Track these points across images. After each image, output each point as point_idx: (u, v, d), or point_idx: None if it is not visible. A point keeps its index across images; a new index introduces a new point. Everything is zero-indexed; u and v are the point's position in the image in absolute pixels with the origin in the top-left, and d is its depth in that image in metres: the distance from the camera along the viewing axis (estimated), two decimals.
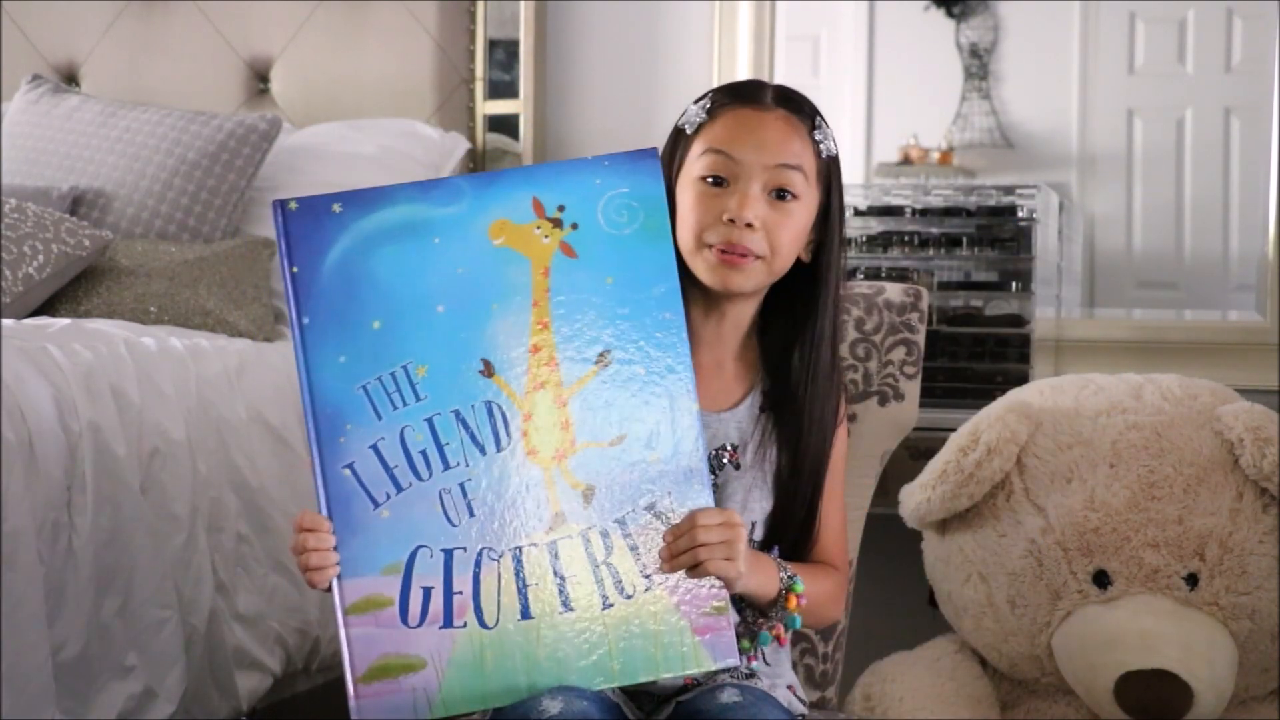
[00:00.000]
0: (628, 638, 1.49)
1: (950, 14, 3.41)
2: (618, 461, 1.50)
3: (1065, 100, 3.37)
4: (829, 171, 1.71)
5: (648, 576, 1.49)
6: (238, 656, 2.26)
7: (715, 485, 1.66)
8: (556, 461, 1.50)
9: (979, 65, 3.40)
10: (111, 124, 2.90)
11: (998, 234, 2.73)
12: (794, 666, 1.92)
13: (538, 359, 1.50)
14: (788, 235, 1.66)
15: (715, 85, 1.87)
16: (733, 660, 1.52)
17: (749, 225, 1.64)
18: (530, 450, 1.49)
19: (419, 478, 1.48)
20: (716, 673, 1.63)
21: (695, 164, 1.67)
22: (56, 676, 1.91)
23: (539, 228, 1.51)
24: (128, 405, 2.10)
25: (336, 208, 1.49)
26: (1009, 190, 2.77)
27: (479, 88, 3.08)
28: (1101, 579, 2.06)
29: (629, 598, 1.49)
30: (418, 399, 1.48)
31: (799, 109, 1.70)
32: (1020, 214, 2.72)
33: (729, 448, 1.70)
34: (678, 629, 1.50)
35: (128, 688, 2.04)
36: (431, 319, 1.49)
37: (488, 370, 1.49)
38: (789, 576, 1.64)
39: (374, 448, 1.47)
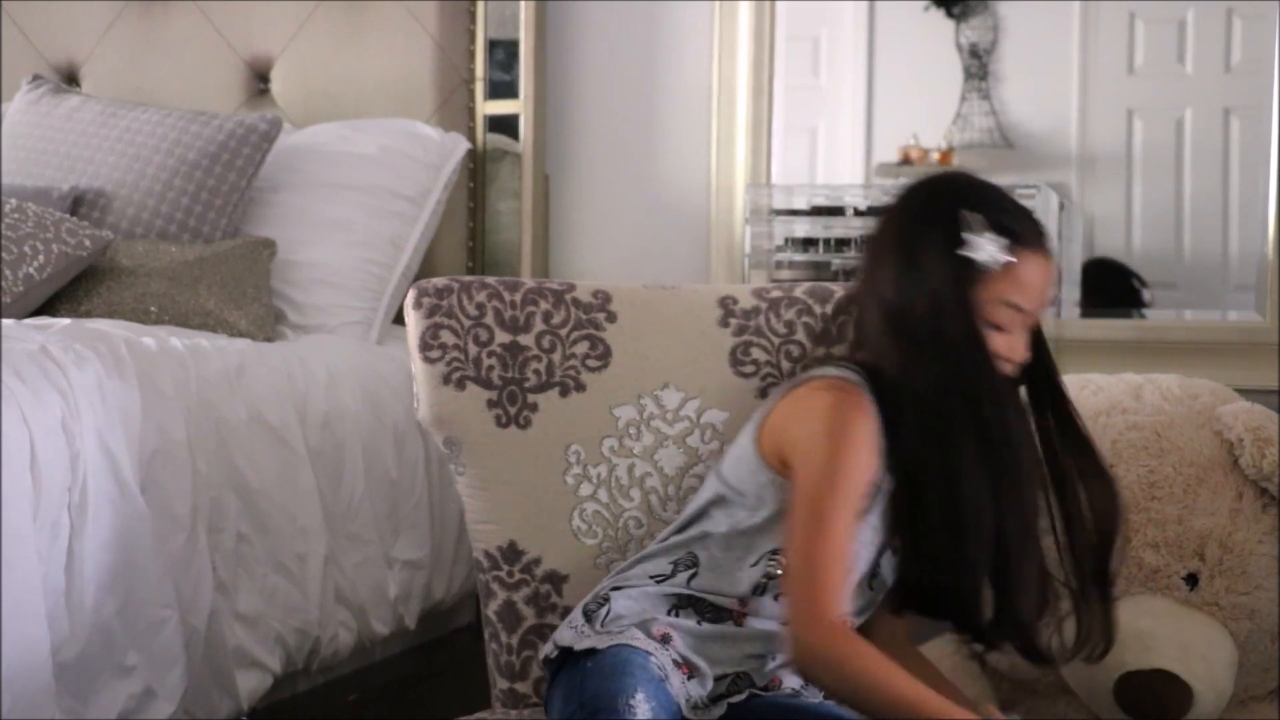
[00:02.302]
0: None
1: (950, 14, 3.41)
2: None
3: (1065, 100, 3.36)
4: None
5: None
6: (238, 656, 2.26)
7: None
8: None
9: (979, 65, 3.40)
10: (111, 124, 2.90)
11: None
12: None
13: None
14: None
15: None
16: None
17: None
18: None
19: None
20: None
21: (989, 307, 1.75)
22: (56, 676, 1.91)
23: None
24: (128, 405, 2.10)
25: None
26: (1009, 190, 2.76)
27: (479, 88, 3.08)
28: None
29: None
30: None
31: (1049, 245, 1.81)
32: None
33: None
34: None
35: (128, 687, 2.04)
36: None
37: None
38: None
39: None
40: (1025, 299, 1.76)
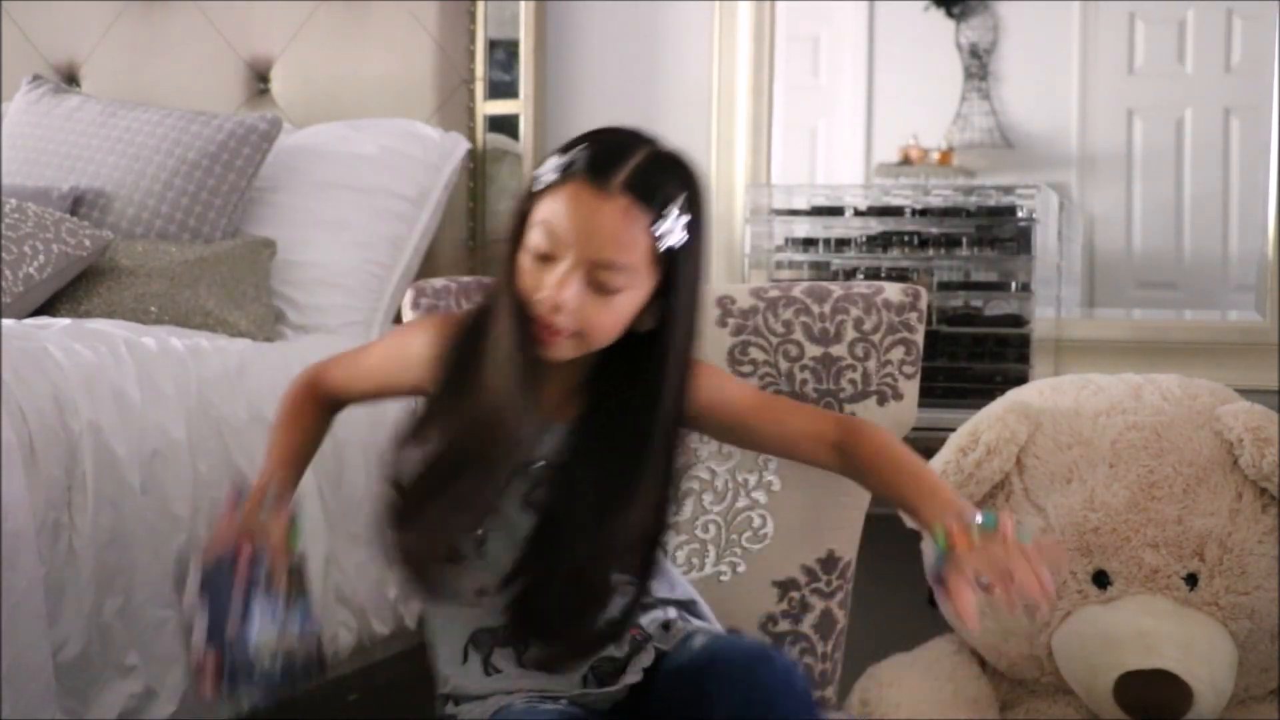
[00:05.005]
0: None
1: (950, 14, 3.41)
2: None
3: (1065, 100, 3.36)
4: (672, 260, 1.60)
5: None
6: None
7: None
8: None
9: (979, 65, 3.39)
10: (111, 124, 2.90)
11: (997, 234, 2.73)
12: None
13: None
14: (605, 320, 1.59)
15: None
16: None
17: (559, 307, 1.58)
18: None
19: None
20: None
21: (532, 232, 1.60)
22: (57, 676, 1.91)
23: None
24: (128, 405, 2.10)
25: None
26: (1009, 190, 2.77)
27: (479, 88, 3.08)
28: (1101, 579, 2.06)
29: None
30: None
31: (647, 198, 1.58)
32: (1020, 214, 2.72)
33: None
34: None
35: (128, 687, 2.04)
36: None
37: None
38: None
39: None
40: (563, 226, 1.57)
